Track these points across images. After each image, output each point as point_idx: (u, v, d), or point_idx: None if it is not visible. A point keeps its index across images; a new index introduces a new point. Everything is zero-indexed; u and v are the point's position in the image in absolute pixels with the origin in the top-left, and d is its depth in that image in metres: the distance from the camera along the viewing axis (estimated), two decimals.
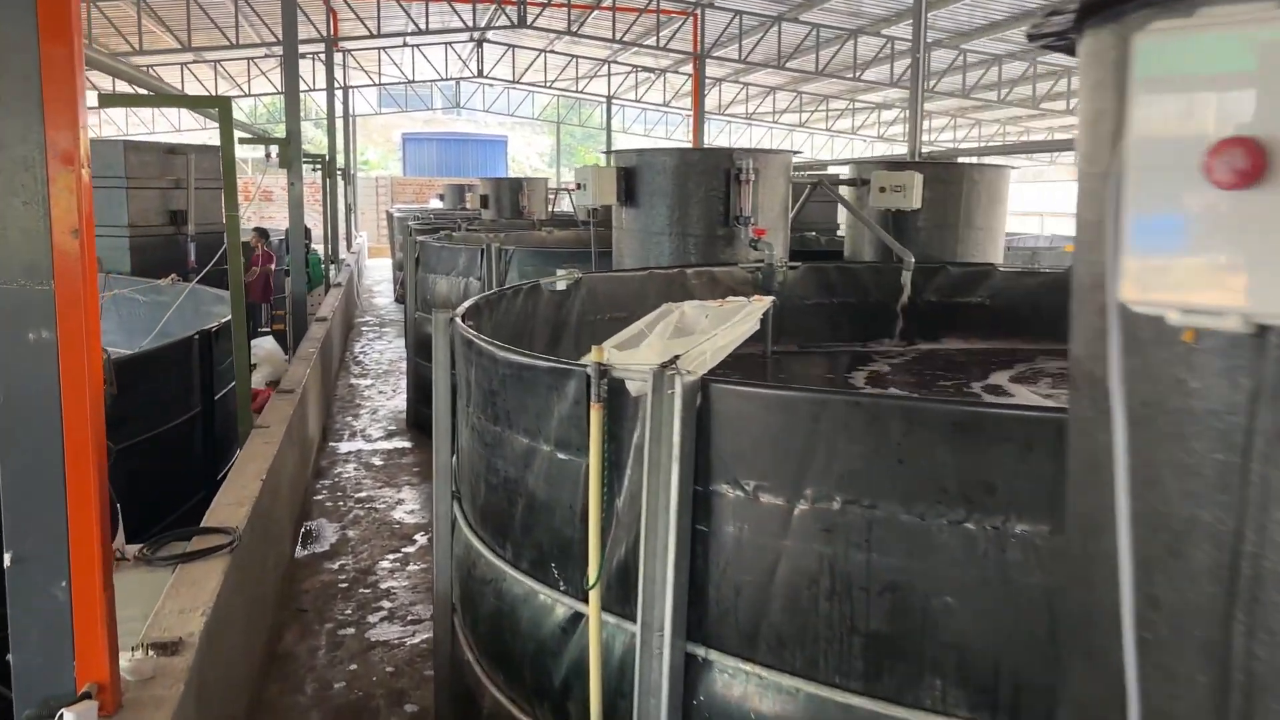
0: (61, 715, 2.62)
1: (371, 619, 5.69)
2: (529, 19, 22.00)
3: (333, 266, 17.26)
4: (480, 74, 31.06)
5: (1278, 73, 0.94)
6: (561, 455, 3.10)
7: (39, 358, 2.62)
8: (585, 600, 2.97)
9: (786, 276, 6.62)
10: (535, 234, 13.29)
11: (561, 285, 5.61)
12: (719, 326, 2.98)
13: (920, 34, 12.07)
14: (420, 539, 6.92)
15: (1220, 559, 1.11)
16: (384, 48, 28.61)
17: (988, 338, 7.02)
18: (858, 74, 22.60)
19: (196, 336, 6.89)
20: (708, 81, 24.00)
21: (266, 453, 5.76)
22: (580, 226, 13.88)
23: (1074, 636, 1.49)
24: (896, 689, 2.45)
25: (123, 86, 9.80)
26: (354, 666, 5.15)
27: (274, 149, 10.38)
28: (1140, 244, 1.01)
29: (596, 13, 22.64)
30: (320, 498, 7.91)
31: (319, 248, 16.78)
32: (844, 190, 8.72)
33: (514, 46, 29.99)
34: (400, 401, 11.14)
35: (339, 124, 23.33)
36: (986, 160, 14.45)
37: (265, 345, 10.07)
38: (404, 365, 12.09)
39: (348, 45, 25.64)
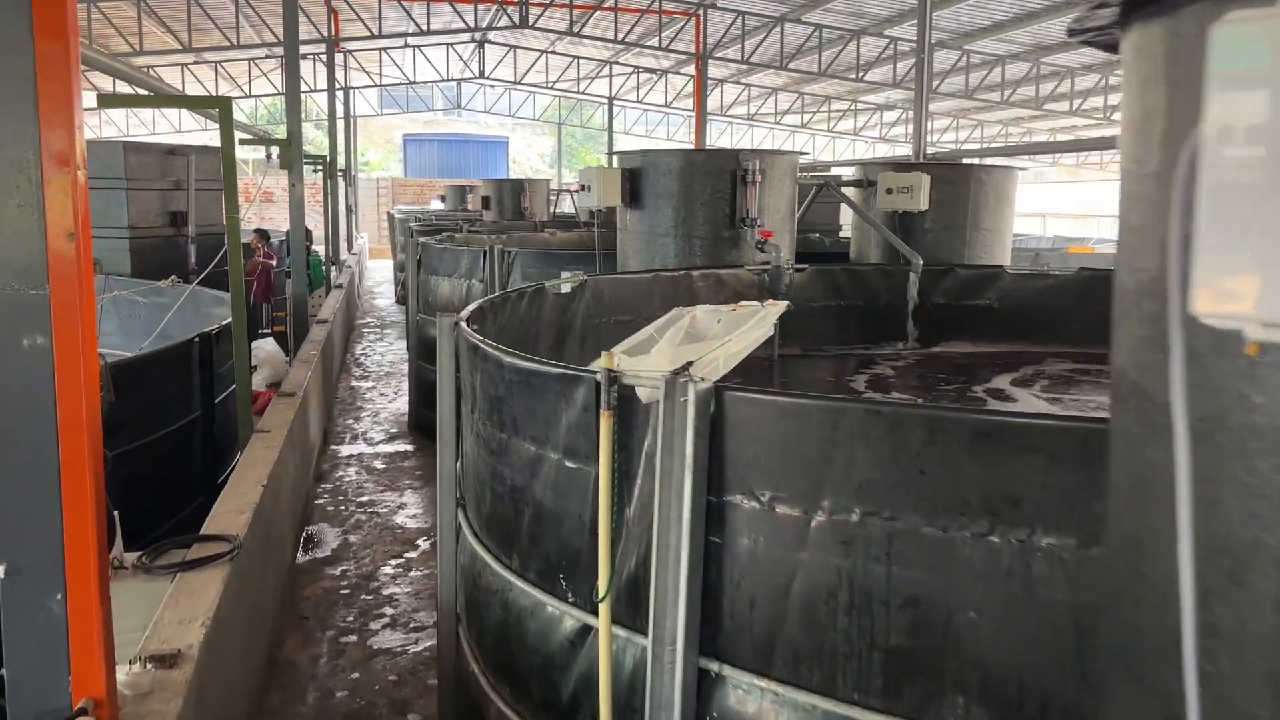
0: None
1: (374, 626, 5.62)
2: (531, 19, 21.93)
3: (333, 268, 17.19)
4: (481, 75, 31.03)
5: None
6: (570, 463, 3.02)
7: (34, 364, 2.55)
8: (594, 612, 2.90)
9: (793, 279, 6.55)
10: (538, 235, 13.22)
11: (566, 288, 5.54)
12: (732, 332, 2.90)
13: (925, 34, 12.00)
14: (423, 544, 6.85)
15: None
16: (385, 48, 28.55)
17: (996, 340, 6.96)
18: (860, 75, 22.53)
19: (196, 339, 6.82)
20: (709, 82, 23.91)
21: (267, 458, 5.68)
22: (582, 228, 13.84)
23: (1119, 660, 1.41)
24: (917, 706, 2.38)
25: (123, 87, 9.74)
26: (356, 675, 5.07)
27: (275, 150, 10.32)
28: (1217, 253, 0.93)
29: (598, 13, 22.57)
30: (321, 502, 7.83)
31: (320, 249, 16.72)
32: (850, 192, 8.65)
33: (515, 47, 29.94)
34: (402, 404, 11.06)
35: (340, 125, 23.26)
36: (993, 161, 14.37)
37: (266, 347, 10.00)
38: (405, 367, 12.03)
39: (349, 46, 25.58)
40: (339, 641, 5.43)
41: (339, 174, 20.79)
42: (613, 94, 31.93)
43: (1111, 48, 1.55)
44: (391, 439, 9.81)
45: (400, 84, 33.29)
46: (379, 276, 27.18)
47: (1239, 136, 0.91)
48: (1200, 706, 1.13)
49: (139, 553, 4.14)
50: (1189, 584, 1.09)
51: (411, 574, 6.37)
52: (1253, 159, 0.89)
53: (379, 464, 8.91)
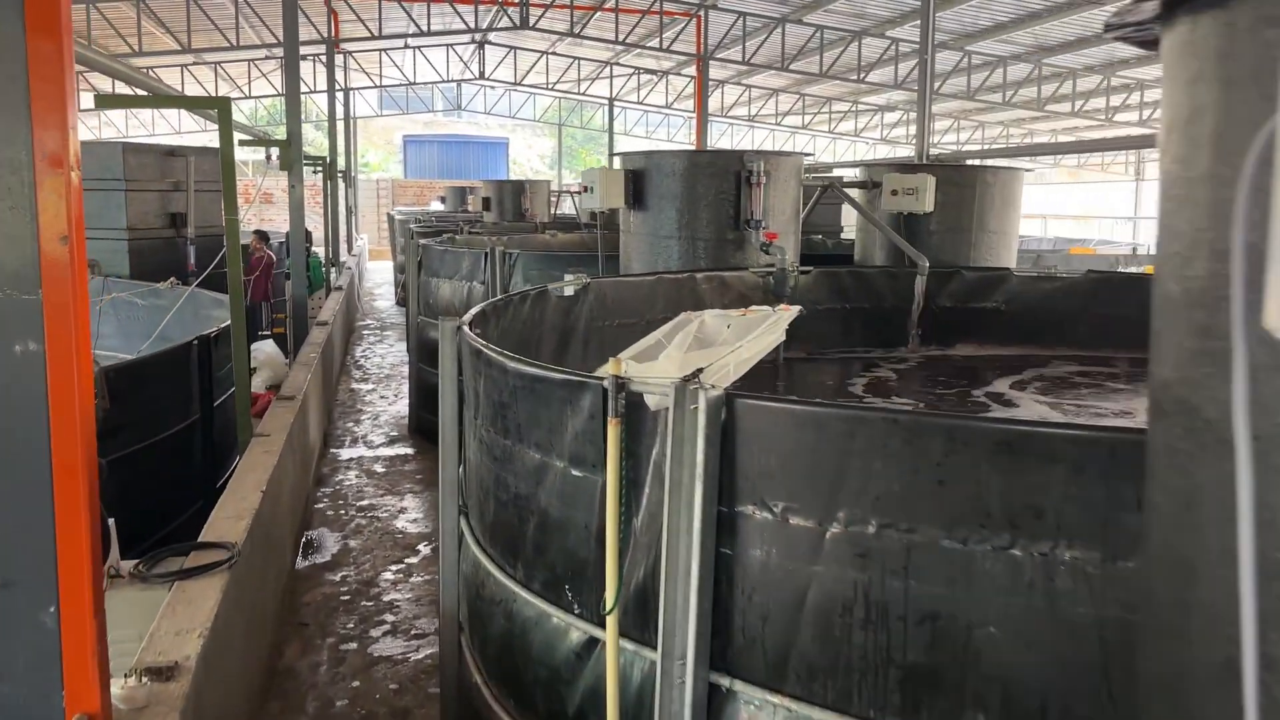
0: None
1: (374, 633, 5.55)
2: (531, 20, 21.88)
3: (333, 269, 17.12)
4: (482, 76, 30.98)
5: None
6: (576, 472, 2.95)
7: (25, 370, 2.47)
8: (601, 625, 2.83)
9: (798, 281, 6.48)
10: (539, 237, 13.16)
11: (570, 291, 5.47)
12: (742, 338, 2.83)
13: (928, 35, 11.94)
14: (424, 549, 6.78)
15: None
16: (385, 49, 28.50)
17: (1003, 344, 6.89)
18: (862, 76, 22.47)
19: (195, 342, 6.75)
20: (710, 84, 23.85)
21: (266, 462, 5.61)
22: (584, 230, 13.77)
23: (1161, 692, 1.34)
24: None
25: (122, 88, 9.67)
26: (356, 683, 5.00)
27: (274, 151, 10.25)
28: None
29: (599, 14, 22.51)
30: (321, 506, 7.76)
31: (319, 250, 16.64)
32: (854, 193, 8.58)
33: (516, 48, 29.90)
34: (402, 406, 10.99)
35: (340, 126, 23.20)
36: (999, 162, 14.30)
37: (265, 349, 9.94)
38: (405, 369, 11.96)
39: (349, 47, 25.52)
40: (339, 649, 5.36)
41: (339, 175, 20.72)
42: (613, 95, 31.87)
43: (1148, 44, 1.49)
44: (392, 442, 9.74)
45: (400, 85, 33.24)
46: (379, 278, 27.11)
47: None
48: None
49: (136, 561, 4.07)
50: (1251, 614, 1.01)
51: (412, 580, 6.30)
52: None
53: (379, 467, 8.84)
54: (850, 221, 16.69)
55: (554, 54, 29.88)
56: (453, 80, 33.50)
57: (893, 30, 20.84)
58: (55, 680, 2.58)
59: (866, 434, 2.34)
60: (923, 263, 6.90)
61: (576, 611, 3.01)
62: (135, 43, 20.24)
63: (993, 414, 5.52)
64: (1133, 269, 13.08)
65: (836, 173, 14.33)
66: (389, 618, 5.75)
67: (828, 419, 2.43)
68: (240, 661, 4.14)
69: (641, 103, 33.29)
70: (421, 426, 9.59)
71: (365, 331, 17.52)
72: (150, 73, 19.84)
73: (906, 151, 32.19)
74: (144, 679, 3.00)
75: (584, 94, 33.13)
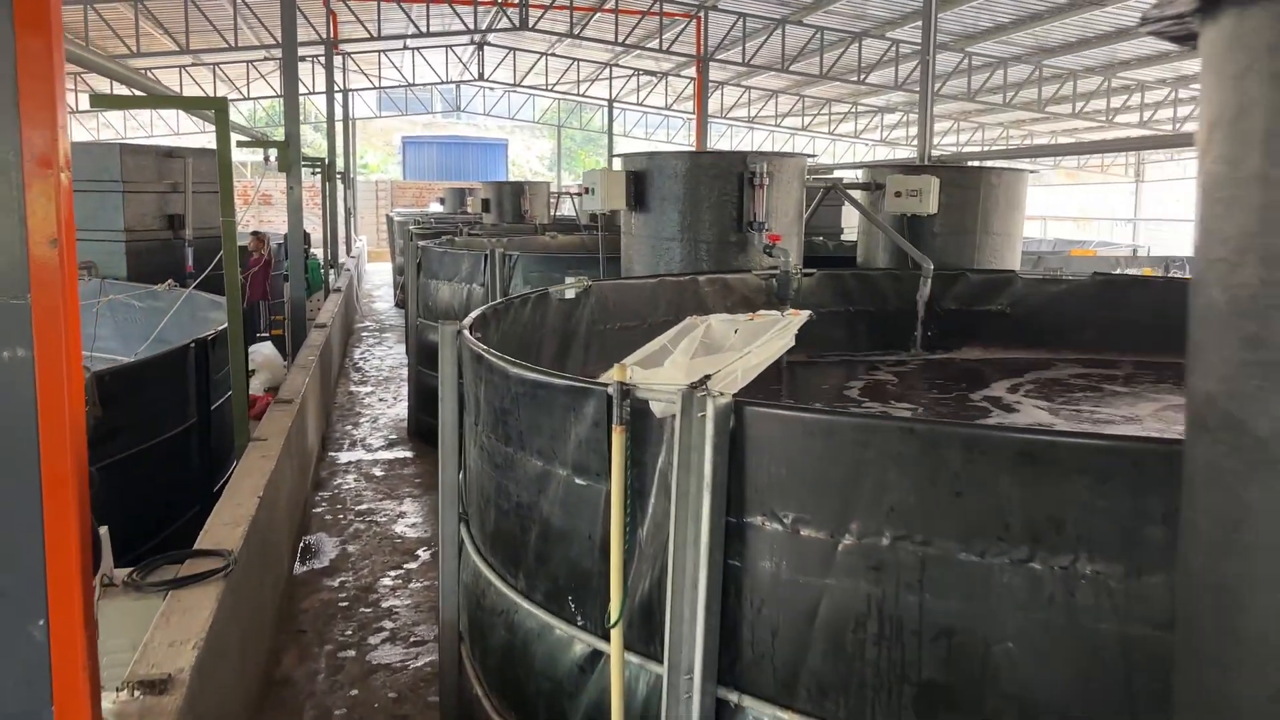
0: None
1: (373, 640, 5.47)
2: (530, 21, 21.81)
3: (332, 271, 17.05)
4: (481, 77, 30.90)
5: None
6: (579, 481, 2.88)
7: (14, 377, 2.40)
8: (605, 637, 2.76)
9: (801, 284, 6.41)
10: (539, 239, 13.09)
11: (571, 293, 5.40)
12: (750, 343, 2.76)
13: (930, 36, 11.87)
14: (423, 554, 6.71)
15: None
16: (384, 50, 28.44)
17: (1009, 347, 6.83)
18: (862, 77, 22.41)
19: (192, 345, 6.67)
20: (710, 85, 23.79)
21: (264, 467, 5.54)
22: (584, 231, 13.71)
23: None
24: None
25: (119, 89, 9.61)
26: (355, 692, 4.92)
27: (273, 152, 10.18)
28: None
29: (598, 15, 22.45)
30: (319, 510, 7.69)
31: (318, 252, 16.56)
32: (857, 195, 8.51)
33: (515, 49, 29.83)
34: (401, 409, 10.92)
35: (338, 127, 23.13)
36: (1002, 163, 14.23)
37: (264, 351, 9.87)
38: (404, 372, 11.89)
39: (347, 48, 25.46)
40: (337, 656, 5.28)
41: (337, 177, 20.65)
42: (613, 96, 31.80)
43: (1182, 39, 1.42)
44: (390, 445, 9.67)
45: (399, 86, 33.18)
46: (378, 279, 27.03)
47: None
48: None
49: (130, 569, 4.00)
50: None
51: (411, 585, 6.23)
52: None
53: (378, 471, 8.77)
54: (851, 223, 16.65)
55: (553, 55, 29.82)
56: (452, 81, 33.44)
57: (893, 31, 20.78)
58: (45, 695, 2.51)
59: (880, 443, 2.27)
60: (927, 265, 6.83)
61: (580, 623, 2.94)
62: (133, 44, 20.16)
63: (996, 420, 5.45)
64: (1132, 271, 13.01)
65: (837, 174, 14.27)
66: (388, 624, 5.67)
67: (840, 427, 2.36)
68: (236, 671, 4.07)
69: (641, 104, 33.23)
70: (421, 429, 9.52)
71: (364, 333, 17.45)
72: (149, 74, 19.76)
73: (905, 153, 32.15)
74: (137, 692, 2.93)
75: (583, 95, 33.06)
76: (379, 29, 22.47)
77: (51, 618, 2.50)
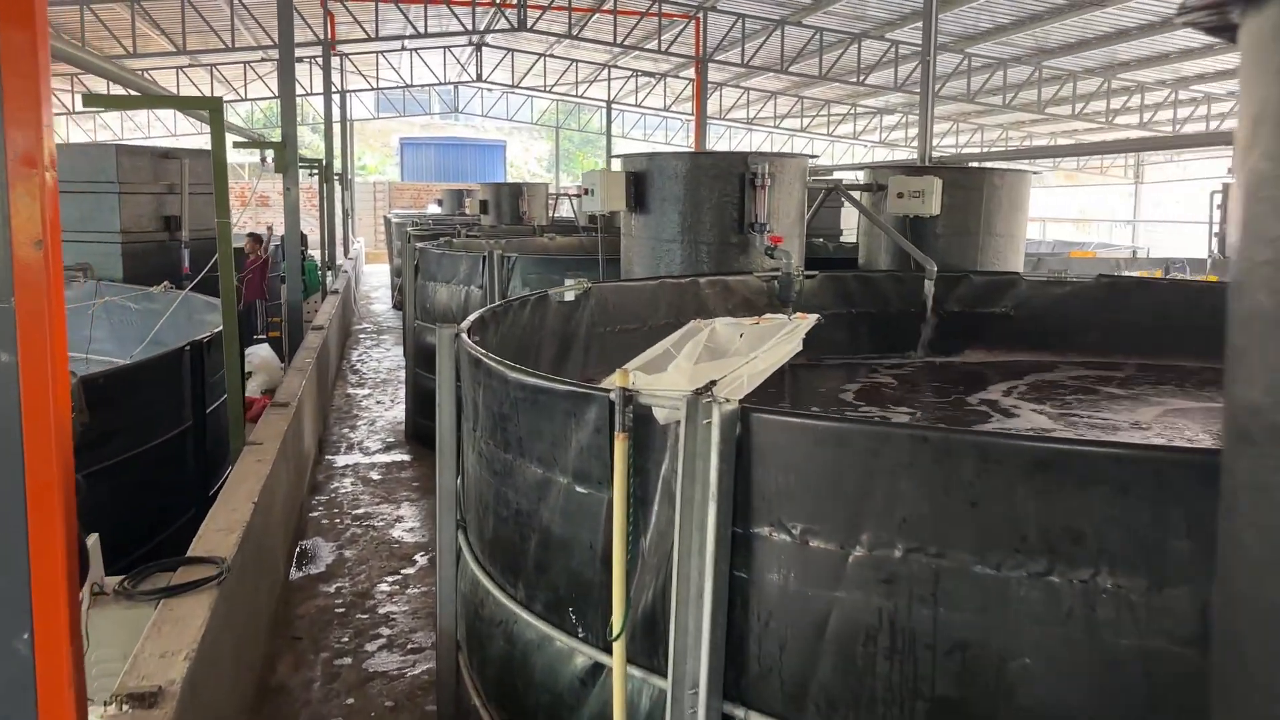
0: None
1: (369, 647, 5.39)
2: (529, 22, 21.74)
3: (329, 273, 16.96)
4: (479, 78, 30.81)
5: None
6: (580, 488, 2.81)
7: None
8: (607, 650, 2.68)
9: (803, 286, 6.34)
10: (537, 240, 13.02)
11: (570, 296, 5.33)
12: (756, 347, 2.69)
13: (931, 37, 11.81)
14: (420, 559, 6.63)
15: None
16: (382, 51, 28.37)
17: (1012, 350, 6.76)
18: (861, 78, 22.35)
19: (187, 348, 6.60)
20: (708, 86, 23.72)
21: (259, 472, 5.46)
22: (582, 233, 13.64)
23: None
24: None
25: (114, 89, 9.54)
26: (351, 700, 4.84)
27: (269, 153, 10.10)
28: None
29: (597, 16, 22.38)
30: (316, 514, 7.61)
31: (315, 254, 16.48)
32: (858, 196, 8.44)
33: (513, 50, 29.76)
34: (399, 412, 10.84)
35: (336, 128, 23.04)
36: (1005, 164, 14.17)
37: (261, 353, 9.79)
38: (402, 374, 11.81)
39: (345, 49, 25.37)
40: (333, 664, 5.20)
41: (335, 178, 20.56)
42: (611, 98, 31.73)
43: (1218, 31, 1.35)
44: (388, 448, 9.59)
45: (397, 87, 33.10)
46: (375, 281, 26.94)
47: None
48: None
49: (121, 577, 3.92)
50: None
51: (409, 591, 6.15)
52: None
53: (375, 475, 8.69)
54: (849, 225, 16.60)
55: (551, 56, 29.74)
56: (450, 83, 33.36)
57: (892, 32, 20.72)
58: (29, 712, 2.43)
59: (893, 451, 2.20)
60: (930, 267, 6.76)
61: (581, 635, 2.86)
62: (130, 44, 20.07)
63: (995, 425, 5.38)
64: (1131, 273, 12.94)
65: (836, 175, 14.20)
66: (385, 631, 5.59)
67: (851, 435, 2.28)
68: (229, 682, 3.99)
69: (639, 105, 33.15)
70: (418, 432, 9.44)
71: (362, 335, 17.37)
72: (145, 75, 19.64)
73: (904, 154, 32.11)
74: (125, 706, 2.85)
75: (581, 97, 32.99)
76: (377, 30, 22.40)
77: (36, 631, 2.42)
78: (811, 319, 2.90)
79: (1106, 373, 6.51)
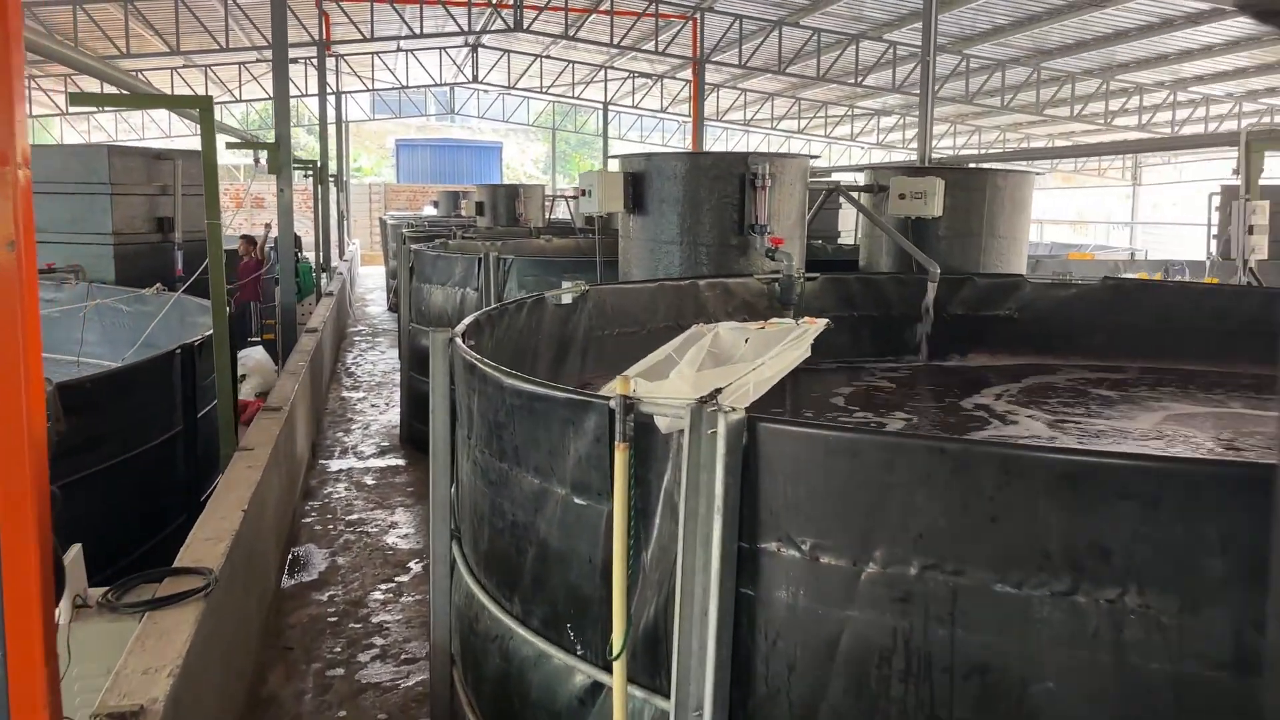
0: None
1: (362, 658, 5.28)
2: (525, 23, 21.64)
3: (324, 275, 16.84)
4: (475, 79, 30.71)
5: None
6: (579, 500, 2.70)
7: None
8: (607, 669, 2.58)
9: (804, 288, 6.24)
10: (534, 242, 12.92)
11: (568, 299, 5.22)
12: (762, 353, 2.58)
13: (930, 38, 11.71)
14: (414, 566, 6.51)
15: None
16: (377, 52, 28.26)
17: (1016, 353, 6.66)
18: (859, 79, 22.27)
19: (178, 351, 6.49)
20: (705, 87, 23.63)
21: (250, 478, 5.34)
22: (579, 234, 13.53)
23: None
24: None
25: (108, 90, 9.42)
26: (343, 713, 4.73)
27: (263, 155, 9.99)
28: None
29: (594, 16, 22.28)
30: (309, 520, 7.49)
31: (310, 256, 16.35)
32: (860, 197, 8.34)
33: (509, 51, 29.66)
34: (393, 415, 10.73)
35: (331, 130, 22.92)
36: (1005, 166, 14.09)
37: (255, 355, 9.67)
38: (397, 377, 11.70)
39: (340, 49, 25.25)
40: (325, 675, 5.09)
41: (330, 179, 20.44)
42: (608, 99, 31.64)
43: (1267, 16, 1.25)
44: (382, 453, 9.48)
45: (393, 88, 32.99)
46: (371, 283, 26.83)
47: None
48: None
49: (105, 589, 3.80)
50: None
51: (403, 599, 6.04)
52: None
53: (369, 480, 8.58)
54: (848, 226, 16.49)
55: (548, 57, 29.63)
56: (446, 84, 33.26)
57: (890, 34, 20.64)
58: None
59: (908, 463, 2.09)
60: (933, 269, 6.66)
61: (579, 652, 2.75)
62: (123, 44, 19.95)
63: (992, 430, 5.27)
64: (1129, 275, 12.85)
65: (834, 177, 14.11)
66: (378, 641, 5.48)
67: (864, 446, 2.18)
68: (216, 697, 3.87)
69: (636, 107, 33.05)
70: (413, 436, 9.33)
71: (357, 338, 17.25)
72: (139, 76, 19.54)
73: (902, 155, 32.04)
74: None
75: (578, 98, 32.89)
76: (372, 30, 22.29)
77: (9, 651, 2.31)
78: (820, 324, 2.80)
79: (1109, 375, 6.40)
